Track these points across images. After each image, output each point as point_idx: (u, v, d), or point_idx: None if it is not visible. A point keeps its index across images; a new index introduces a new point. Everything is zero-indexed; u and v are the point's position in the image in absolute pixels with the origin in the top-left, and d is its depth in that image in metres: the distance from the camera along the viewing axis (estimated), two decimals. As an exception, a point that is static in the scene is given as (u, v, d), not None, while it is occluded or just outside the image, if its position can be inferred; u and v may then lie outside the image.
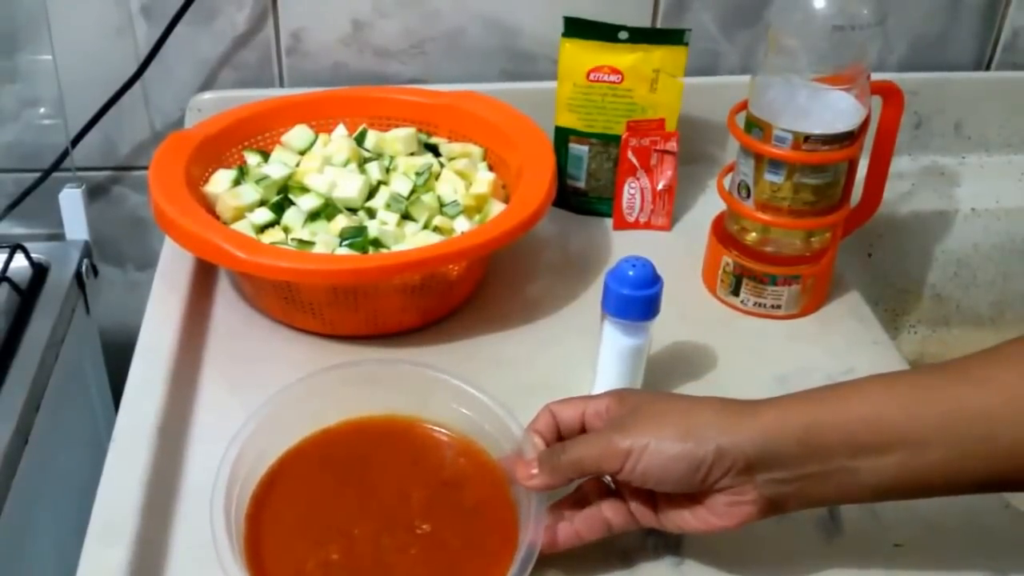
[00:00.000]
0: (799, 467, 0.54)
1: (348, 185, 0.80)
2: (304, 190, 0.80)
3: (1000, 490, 0.56)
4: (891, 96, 0.79)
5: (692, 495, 0.56)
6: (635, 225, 0.90)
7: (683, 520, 0.57)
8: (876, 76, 0.75)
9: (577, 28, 0.86)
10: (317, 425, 0.63)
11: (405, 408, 0.64)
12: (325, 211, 0.78)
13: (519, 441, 0.60)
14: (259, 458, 0.61)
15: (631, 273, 0.66)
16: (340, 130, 0.87)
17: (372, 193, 0.81)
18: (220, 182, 0.81)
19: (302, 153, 0.85)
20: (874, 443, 0.53)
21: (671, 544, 0.62)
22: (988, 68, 1.05)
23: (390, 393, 0.64)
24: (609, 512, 0.58)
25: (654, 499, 0.58)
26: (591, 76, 0.87)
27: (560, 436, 0.60)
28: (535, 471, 0.57)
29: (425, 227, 0.78)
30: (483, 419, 0.62)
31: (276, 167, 0.82)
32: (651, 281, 0.66)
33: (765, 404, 0.55)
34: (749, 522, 0.55)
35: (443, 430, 0.64)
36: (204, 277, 0.82)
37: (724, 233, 0.82)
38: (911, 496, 0.56)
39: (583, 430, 0.59)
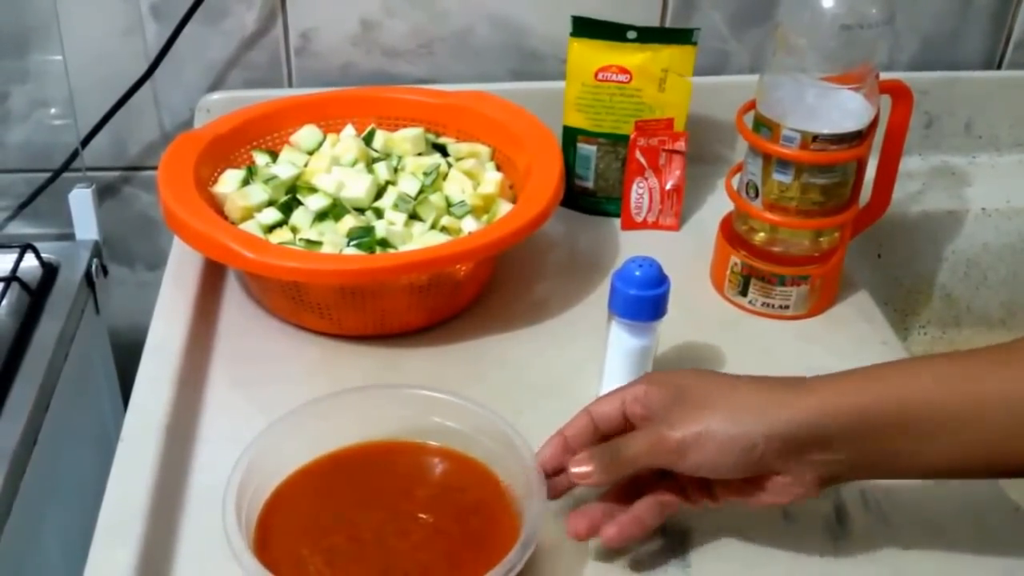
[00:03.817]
0: (851, 449, 0.54)
1: (356, 185, 0.80)
2: (312, 190, 0.80)
3: None
4: (901, 95, 0.78)
5: (748, 478, 0.56)
6: (643, 225, 0.90)
7: (740, 499, 0.57)
8: (886, 75, 0.75)
9: (585, 27, 0.86)
10: (326, 446, 0.63)
11: (412, 430, 0.64)
12: (333, 211, 0.78)
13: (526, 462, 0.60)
14: (273, 468, 0.61)
15: (638, 273, 0.65)
16: (348, 130, 0.87)
17: (380, 193, 0.81)
18: (229, 182, 0.81)
19: (310, 153, 0.85)
20: (924, 427, 0.53)
21: (678, 548, 0.62)
22: (999, 67, 1.04)
23: (396, 417, 0.64)
24: (666, 496, 0.58)
25: (709, 480, 0.57)
26: (599, 76, 0.87)
27: (600, 435, 0.59)
28: (588, 468, 0.56)
29: (432, 227, 0.78)
30: (490, 439, 0.63)
31: (284, 167, 0.82)
32: (658, 281, 0.66)
33: (815, 384, 0.55)
34: (808, 497, 0.56)
35: (448, 447, 0.64)
36: (213, 277, 0.82)
37: (732, 233, 0.82)
38: (959, 477, 0.57)
39: (624, 421, 0.58)
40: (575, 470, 0.57)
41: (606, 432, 0.59)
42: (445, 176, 0.83)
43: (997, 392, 0.53)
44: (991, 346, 0.56)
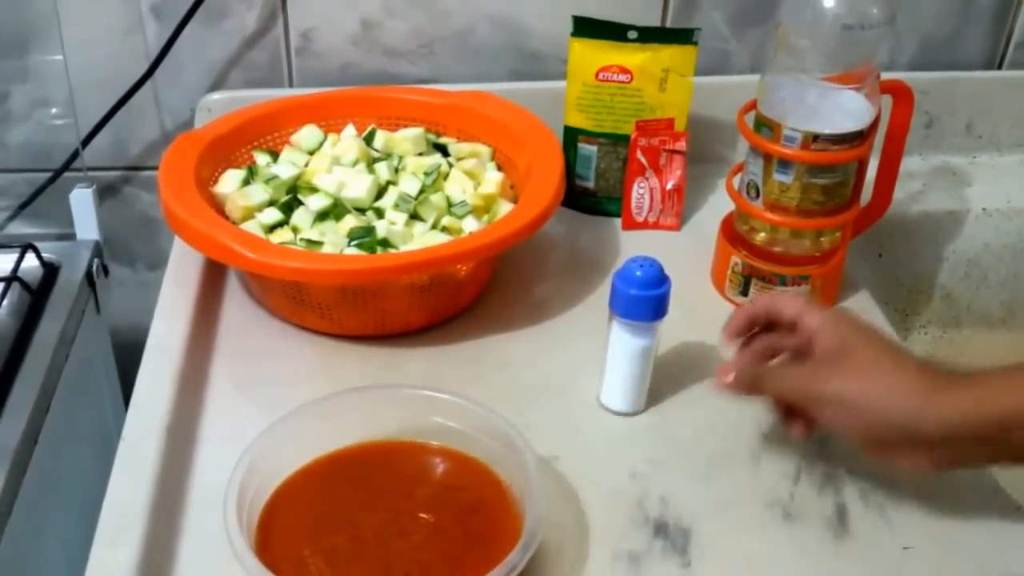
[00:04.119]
0: (975, 450, 0.58)
1: (357, 185, 0.80)
2: (313, 190, 0.80)
3: None
4: (901, 95, 0.78)
5: None
6: (644, 225, 0.90)
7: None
8: (886, 75, 0.75)
9: (586, 27, 0.86)
10: (327, 446, 0.64)
11: (413, 431, 0.64)
12: (334, 211, 0.78)
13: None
14: (274, 468, 0.61)
15: (639, 273, 0.65)
16: (349, 130, 0.87)
17: (381, 193, 0.81)
18: (229, 182, 0.81)
19: (311, 153, 0.85)
20: None
21: (678, 546, 0.62)
22: (999, 67, 1.04)
23: (398, 417, 0.64)
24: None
25: None
26: (600, 76, 0.87)
27: (757, 326, 0.65)
28: (731, 379, 0.62)
29: (433, 227, 0.78)
30: (490, 439, 0.63)
31: (285, 167, 0.82)
32: (659, 281, 0.66)
33: (960, 386, 0.58)
34: (918, 472, 0.59)
35: (448, 447, 0.64)
36: (213, 277, 0.82)
37: (733, 233, 0.82)
38: None
39: (792, 323, 0.63)
40: (721, 376, 0.63)
41: (772, 320, 0.65)
42: (446, 176, 0.83)
43: None
44: None
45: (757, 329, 0.66)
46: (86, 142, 0.96)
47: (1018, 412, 0.56)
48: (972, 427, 0.57)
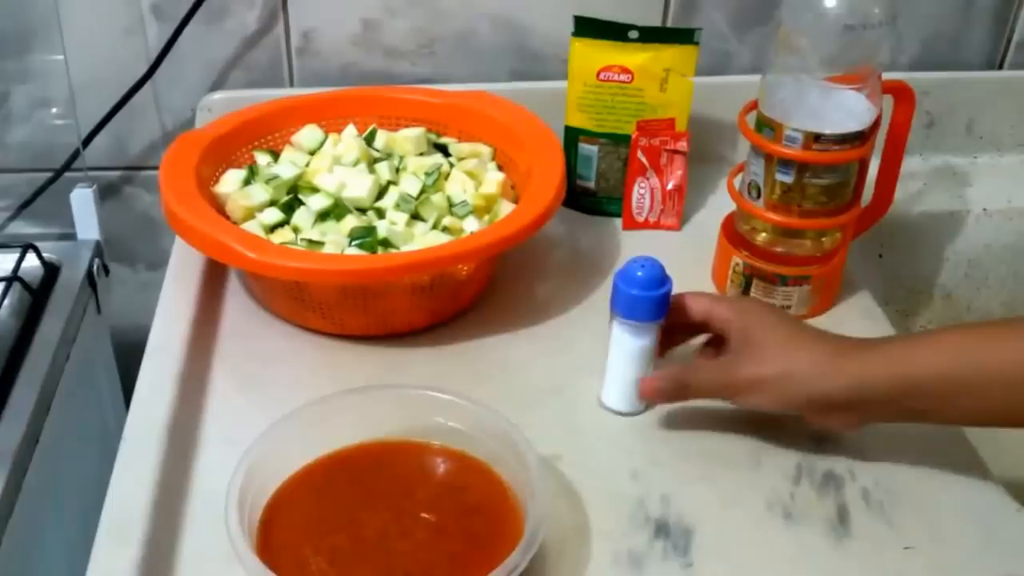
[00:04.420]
0: (882, 409, 0.63)
1: (358, 185, 0.80)
2: (314, 190, 0.80)
3: None
4: (903, 96, 0.78)
5: None
6: (645, 225, 0.90)
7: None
8: (887, 76, 0.75)
9: (587, 27, 0.86)
10: (328, 446, 0.64)
11: (414, 431, 0.64)
12: (335, 211, 0.78)
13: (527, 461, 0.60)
14: (275, 468, 0.61)
15: (640, 274, 0.66)
16: (350, 130, 0.87)
17: (382, 193, 0.81)
18: (230, 182, 0.81)
19: (312, 153, 0.85)
20: (952, 394, 0.61)
21: (679, 546, 0.62)
22: (1000, 68, 1.04)
23: (399, 417, 0.64)
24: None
25: None
26: (601, 76, 0.87)
27: (675, 321, 0.68)
28: (657, 385, 0.67)
29: (434, 227, 0.78)
30: (492, 439, 0.63)
31: (286, 167, 0.82)
32: (660, 282, 0.66)
33: (858, 352, 0.64)
34: (843, 432, 0.67)
35: (450, 447, 0.64)
36: (214, 277, 0.82)
37: (734, 233, 0.82)
38: (977, 426, 0.66)
39: (705, 321, 0.68)
40: (644, 384, 0.68)
41: (681, 322, 0.69)
42: (447, 176, 0.83)
43: (1017, 362, 0.60)
44: (1015, 317, 0.65)
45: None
46: (87, 142, 0.96)
47: (910, 378, 0.61)
48: (872, 390, 0.62)
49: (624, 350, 0.68)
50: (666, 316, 0.67)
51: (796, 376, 0.63)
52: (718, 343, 0.68)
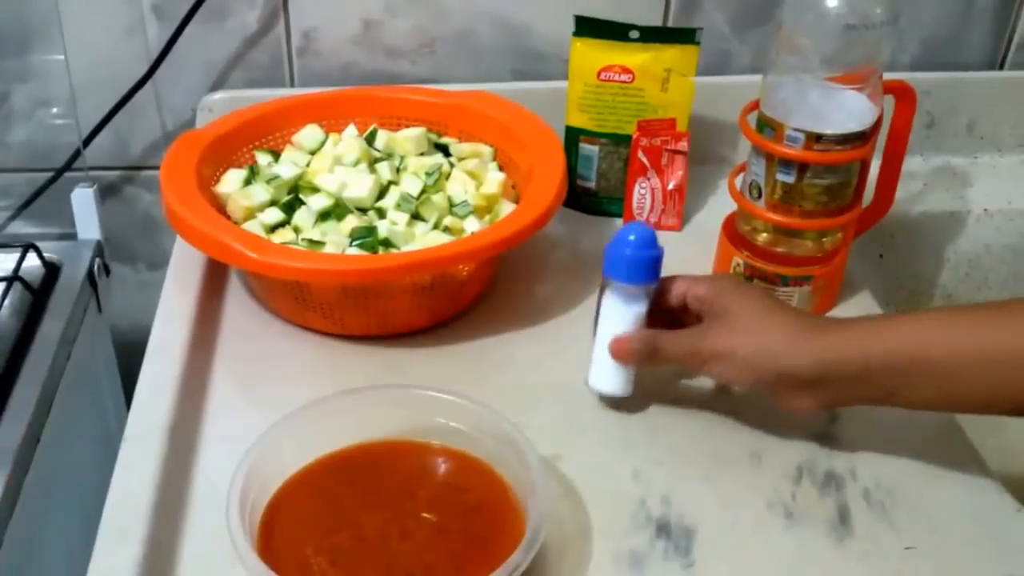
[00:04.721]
0: (850, 388, 0.63)
1: (358, 185, 0.80)
2: (314, 190, 0.80)
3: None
4: (904, 96, 0.78)
5: None
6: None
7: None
8: (888, 76, 0.75)
9: (588, 27, 0.86)
10: (329, 446, 0.63)
11: (415, 431, 0.64)
12: (335, 211, 0.78)
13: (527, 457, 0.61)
14: (276, 468, 0.61)
15: (632, 237, 0.66)
16: (350, 130, 0.87)
17: (382, 193, 0.81)
18: (231, 182, 0.81)
19: (313, 153, 0.85)
20: (919, 374, 0.61)
21: (681, 546, 0.62)
22: (1001, 68, 1.04)
23: (400, 417, 0.64)
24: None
25: None
26: (602, 75, 0.87)
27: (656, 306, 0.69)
28: (633, 344, 0.67)
29: (435, 227, 0.78)
30: (493, 439, 0.63)
31: (287, 167, 0.82)
32: (652, 243, 0.66)
33: (829, 329, 0.63)
34: (808, 412, 0.65)
35: (451, 447, 0.64)
36: (215, 277, 0.82)
37: (735, 233, 0.82)
38: (946, 411, 0.66)
39: (682, 304, 0.68)
40: (617, 342, 0.67)
41: (664, 305, 0.69)
42: (447, 176, 0.83)
43: (989, 349, 0.60)
44: (994, 303, 0.64)
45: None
46: (87, 142, 0.96)
47: (878, 357, 0.61)
48: (840, 367, 0.62)
49: (616, 320, 0.68)
50: (655, 288, 0.67)
51: (766, 349, 0.63)
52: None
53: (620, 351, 0.68)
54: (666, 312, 0.69)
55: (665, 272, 0.68)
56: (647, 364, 0.68)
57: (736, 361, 0.64)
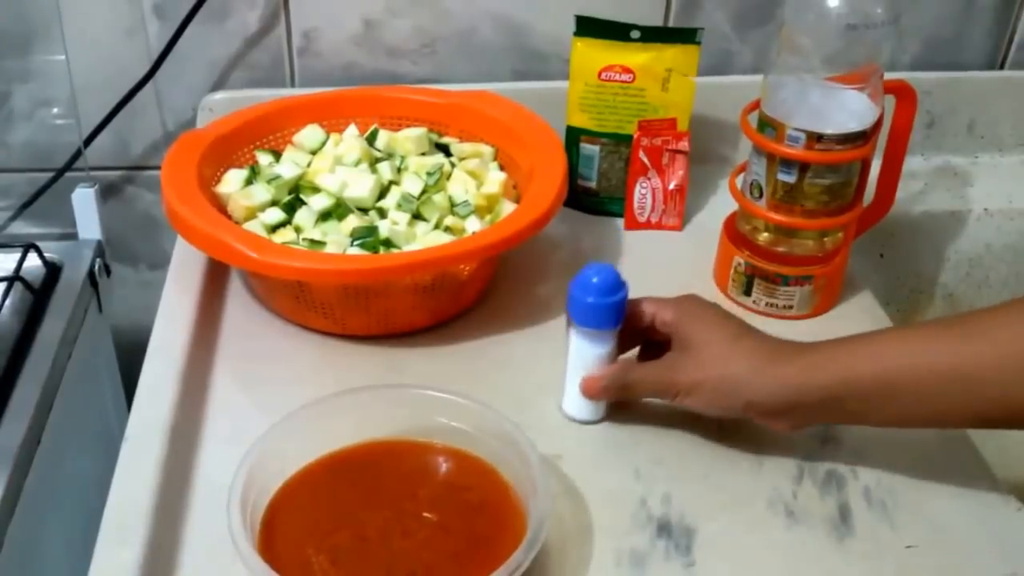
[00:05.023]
0: (817, 414, 0.64)
1: (359, 185, 0.80)
2: (315, 190, 0.80)
3: (990, 428, 0.63)
4: (904, 95, 0.78)
5: None
6: (646, 225, 0.90)
7: None
8: (889, 75, 0.75)
9: (589, 27, 0.86)
10: (330, 446, 0.63)
11: (415, 430, 0.64)
12: (336, 211, 0.78)
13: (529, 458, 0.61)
14: (277, 468, 0.61)
15: (595, 280, 0.65)
16: (351, 130, 0.87)
17: (383, 193, 0.81)
18: (232, 182, 0.81)
19: (313, 153, 0.85)
20: (883, 395, 0.62)
21: (681, 546, 0.62)
22: (1002, 67, 1.04)
23: (401, 417, 0.64)
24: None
25: None
26: (603, 75, 0.87)
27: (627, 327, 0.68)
28: (603, 383, 0.67)
29: (436, 227, 0.78)
30: (494, 438, 0.63)
31: (288, 167, 0.82)
32: (615, 288, 0.65)
33: (795, 356, 0.63)
34: (782, 433, 0.66)
35: (452, 446, 0.64)
36: (216, 276, 0.82)
37: (736, 233, 0.82)
38: (917, 427, 0.66)
39: (651, 325, 0.68)
40: (587, 383, 0.68)
41: (632, 325, 0.68)
42: (448, 176, 0.83)
43: (951, 365, 0.60)
44: (955, 316, 0.64)
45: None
46: (88, 142, 0.96)
47: (839, 384, 0.62)
48: (808, 395, 0.62)
49: (583, 358, 0.68)
50: (622, 322, 0.67)
51: (733, 381, 0.64)
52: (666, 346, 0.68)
53: (591, 390, 0.68)
54: (638, 332, 0.69)
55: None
56: (620, 398, 0.69)
57: (705, 394, 0.64)
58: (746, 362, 0.64)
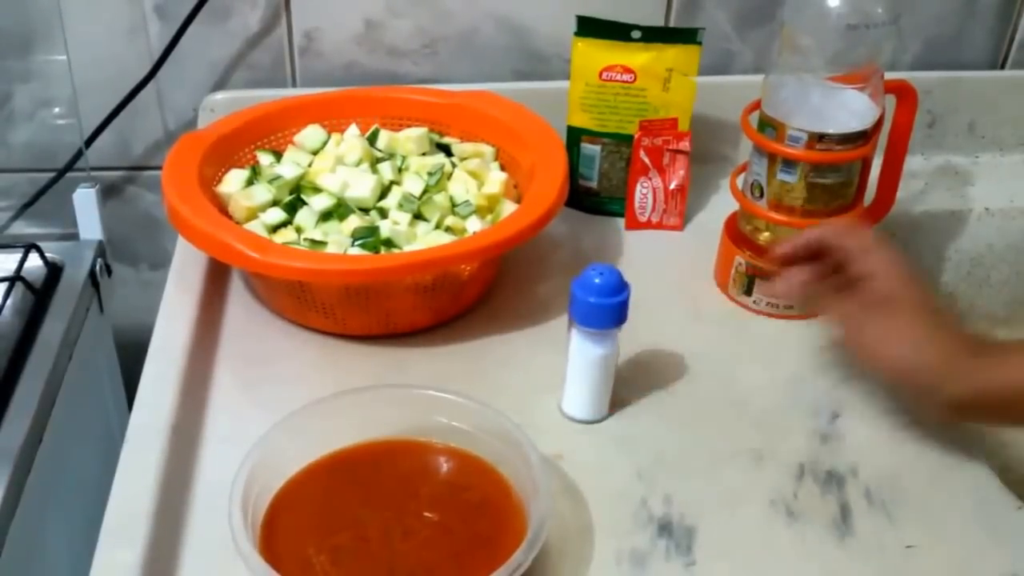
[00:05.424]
0: (988, 415, 0.65)
1: (360, 185, 0.80)
2: (316, 190, 0.80)
3: None
4: (905, 95, 0.79)
5: None
6: (647, 225, 0.90)
7: None
8: (890, 75, 0.75)
9: (590, 27, 0.86)
10: (331, 446, 0.64)
11: (416, 430, 0.65)
12: (337, 211, 0.78)
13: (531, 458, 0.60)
14: (278, 468, 0.62)
15: (597, 281, 0.65)
16: (352, 130, 0.87)
17: (384, 193, 0.81)
18: (233, 182, 0.81)
19: (314, 153, 0.85)
20: None
21: (682, 545, 0.62)
22: (1003, 67, 1.04)
23: (402, 417, 0.65)
24: None
25: None
26: (604, 75, 0.87)
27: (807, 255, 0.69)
28: (798, 288, 0.68)
29: (437, 227, 0.78)
30: (495, 438, 0.63)
31: (289, 167, 0.82)
32: (618, 288, 0.65)
33: (983, 355, 0.63)
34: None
35: (453, 446, 0.64)
36: (217, 277, 0.82)
37: (737, 233, 0.82)
38: None
39: (845, 260, 0.67)
40: (787, 281, 0.68)
41: (823, 251, 0.68)
42: (449, 176, 0.83)
43: None
44: None
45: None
46: (89, 142, 0.97)
47: (1008, 388, 0.62)
48: (988, 395, 0.62)
49: (584, 358, 0.68)
50: (810, 247, 0.68)
51: (915, 361, 0.63)
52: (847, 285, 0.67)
53: (790, 289, 0.69)
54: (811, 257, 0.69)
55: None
56: (804, 307, 0.71)
57: (885, 360, 0.65)
58: (939, 346, 0.63)
